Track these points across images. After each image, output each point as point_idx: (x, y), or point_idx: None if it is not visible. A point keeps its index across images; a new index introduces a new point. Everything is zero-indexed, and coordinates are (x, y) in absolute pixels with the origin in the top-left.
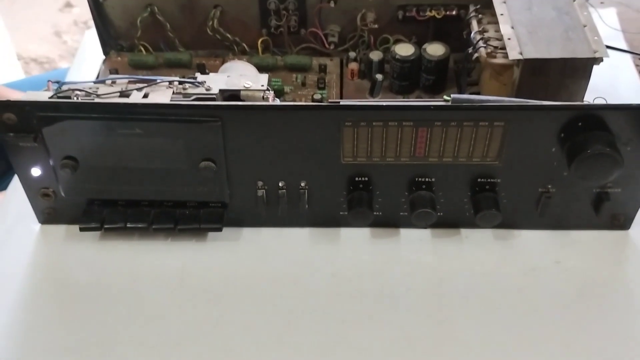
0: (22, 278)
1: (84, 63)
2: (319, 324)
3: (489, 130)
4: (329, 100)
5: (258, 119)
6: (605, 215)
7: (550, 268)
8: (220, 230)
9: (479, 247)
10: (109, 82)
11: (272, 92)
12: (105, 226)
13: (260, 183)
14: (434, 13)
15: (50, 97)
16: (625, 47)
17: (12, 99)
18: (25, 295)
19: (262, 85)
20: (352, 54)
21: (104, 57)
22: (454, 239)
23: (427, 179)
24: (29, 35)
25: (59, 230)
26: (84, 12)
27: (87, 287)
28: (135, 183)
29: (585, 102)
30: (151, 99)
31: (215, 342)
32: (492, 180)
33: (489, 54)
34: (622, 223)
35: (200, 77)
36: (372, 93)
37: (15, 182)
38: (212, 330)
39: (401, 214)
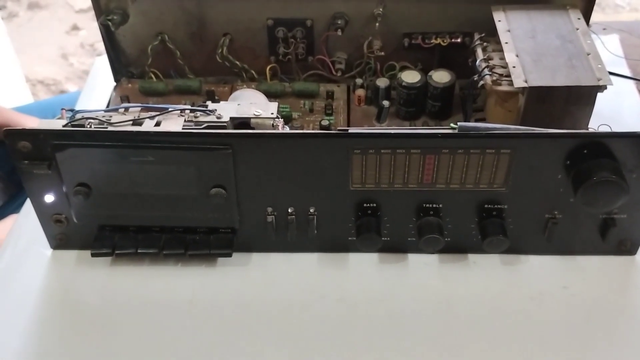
0: (34, 303)
1: (94, 89)
2: (327, 348)
3: (495, 157)
4: (338, 128)
5: (268, 147)
6: (612, 241)
7: (557, 293)
8: (230, 255)
9: (486, 272)
10: (121, 110)
11: (282, 119)
12: (117, 252)
13: (269, 209)
14: (439, 40)
15: (64, 126)
16: (628, 73)
17: (26, 126)
18: (37, 320)
19: (272, 113)
20: (359, 81)
21: (114, 83)
22: (462, 264)
23: (434, 205)
24: (36, 57)
25: (71, 255)
26: (90, 34)
27: (98, 311)
28: (147, 209)
29: (590, 130)
30: (163, 127)
31: None
32: (499, 206)
33: (494, 82)
34: (628, 248)
35: (211, 105)
36: (379, 119)
37: (28, 208)
38: (220, 355)
39: (409, 239)
